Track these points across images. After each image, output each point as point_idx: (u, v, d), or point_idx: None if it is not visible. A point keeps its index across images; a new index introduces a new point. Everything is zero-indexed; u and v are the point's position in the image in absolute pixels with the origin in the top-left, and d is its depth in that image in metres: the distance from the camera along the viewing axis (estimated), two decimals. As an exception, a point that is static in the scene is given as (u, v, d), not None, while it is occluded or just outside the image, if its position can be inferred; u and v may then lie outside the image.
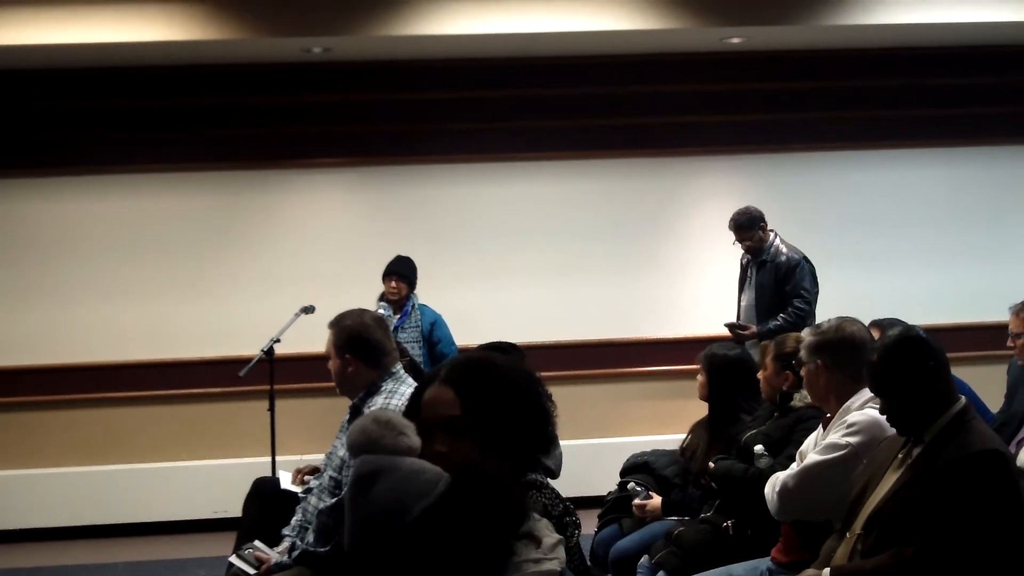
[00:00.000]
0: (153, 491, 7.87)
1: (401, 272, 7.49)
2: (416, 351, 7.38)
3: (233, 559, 4.40)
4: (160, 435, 8.03)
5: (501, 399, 2.67)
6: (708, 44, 8.11)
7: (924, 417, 3.40)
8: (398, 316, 7.41)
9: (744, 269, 7.57)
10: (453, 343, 7.48)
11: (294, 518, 4.51)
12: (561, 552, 2.36)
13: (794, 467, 3.99)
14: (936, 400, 3.40)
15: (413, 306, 7.49)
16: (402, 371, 4.44)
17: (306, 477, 5.14)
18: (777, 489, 3.94)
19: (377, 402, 4.23)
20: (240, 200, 8.21)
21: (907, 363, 3.40)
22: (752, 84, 8.45)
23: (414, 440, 2.55)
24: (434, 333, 7.48)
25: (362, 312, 4.51)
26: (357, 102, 8.25)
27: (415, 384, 4.27)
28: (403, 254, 7.58)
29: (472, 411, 2.65)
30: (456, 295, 8.02)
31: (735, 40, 8.02)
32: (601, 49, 8.11)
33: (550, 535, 2.40)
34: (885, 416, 3.50)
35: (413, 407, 2.81)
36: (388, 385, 4.32)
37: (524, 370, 2.86)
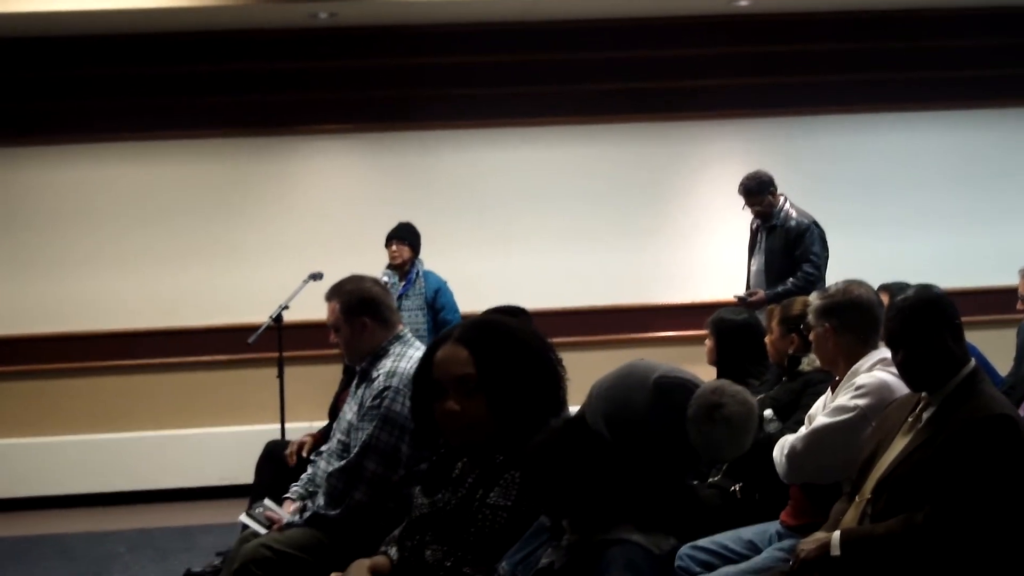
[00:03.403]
0: (161, 459, 7.91)
1: (401, 236, 7.48)
2: (420, 319, 7.38)
3: (244, 518, 4.42)
4: (168, 403, 8.06)
5: (514, 359, 2.68)
6: (715, 7, 8.08)
7: (940, 372, 3.38)
8: (403, 283, 7.41)
9: (754, 234, 7.55)
10: (456, 310, 7.48)
11: (304, 475, 4.54)
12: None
13: (803, 430, 3.98)
14: (953, 358, 3.39)
15: (418, 273, 7.49)
16: (409, 334, 4.44)
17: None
18: (786, 452, 3.94)
19: (386, 365, 4.23)
20: (246, 167, 8.20)
21: (936, 315, 3.38)
22: (759, 47, 8.41)
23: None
24: (437, 300, 7.47)
25: (359, 277, 4.51)
26: (363, 68, 8.23)
27: (423, 347, 4.29)
28: (406, 220, 7.58)
29: (485, 370, 2.67)
30: (462, 261, 8.02)
31: (742, 3, 7.99)
32: (607, 12, 8.07)
33: None
34: (898, 367, 3.47)
35: (424, 367, 2.82)
36: (396, 348, 4.31)
37: (535, 332, 2.87)
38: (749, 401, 2.30)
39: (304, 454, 5.07)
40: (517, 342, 2.76)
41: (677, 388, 2.32)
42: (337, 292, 4.41)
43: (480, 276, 8.01)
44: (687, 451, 2.28)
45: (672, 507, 2.30)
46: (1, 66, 7.97)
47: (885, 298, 4.35)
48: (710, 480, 4.76)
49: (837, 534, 3.41)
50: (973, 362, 3.44)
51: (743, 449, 2.30)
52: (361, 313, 4.33)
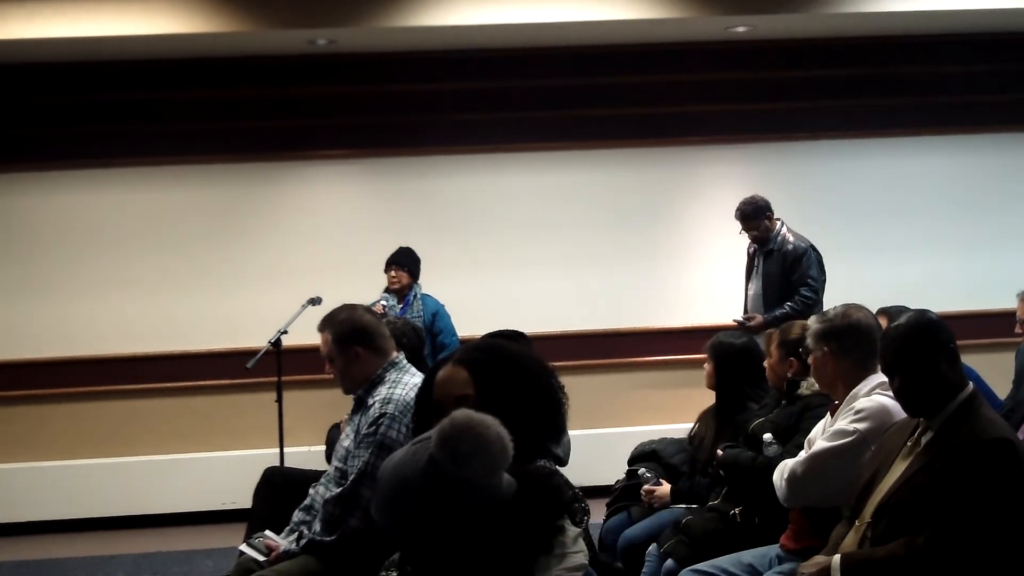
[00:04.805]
0: (161, 483, 7.88)
1: (400, 261, 7.50)
2: (418, 342, 7.39)
3: (243, 547, 4.41)
4: (168, 427, 8.04)
5: (513, 382, 2.69)
6: (713, 33, 8.10)
7: (937, 398, 3.39)
8: (400, 307, 7.43)
9: (751, 258, 7.56)
10: (455, 334, 7.48)
11: (305, 502, 4.54)
12: (582, 544, 2.37)
13: (803, 454, 3.99)
14: (949, 383, 3.40)
15: (415, 296, 7.50)
16: (404, 360, 4.45)
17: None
18: (785, 476, 3.94)
19: (381, 392, 4.24)
20: (246, 192, 8.21)
21: (928, 341, 3.39)
22: (757, 73, 8.43)
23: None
24: (435, 324, 7.48)
25: (351, 306, 4.51)
26: (362, 94, 8.25)
27: (419, 374, 4.30)
28: (406, 246, 7.60)
29: (484, 392, 2.67)
30: (462, 286, 8.03)
31: (740, 29, 8.00)
32: (606, 39, 8.10)
33: (571, 528, 2.41)
34: (895, 393, 3.48)
35: (426, 389, 2.83)
36: (391, 375, 4.33)
37: (535, 357, 2.88)
38: (459, 419, 2.26)
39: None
40: (516, 365, 2.77)
41: (431, 475, 2.28)
42: (329, 323, 4.41)
43: (479, 300, 8.01)
44: (494, 488, 2.27)
45: (544, 509, 2.31)
46: (5, 92, 8.00)
47: (884, 322, 4.36)
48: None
49: (837, 558, 3.41)
50: (971, 386, 3.45)
51: (510, 449, 2.27)
52: (353, 343, 4.33)
